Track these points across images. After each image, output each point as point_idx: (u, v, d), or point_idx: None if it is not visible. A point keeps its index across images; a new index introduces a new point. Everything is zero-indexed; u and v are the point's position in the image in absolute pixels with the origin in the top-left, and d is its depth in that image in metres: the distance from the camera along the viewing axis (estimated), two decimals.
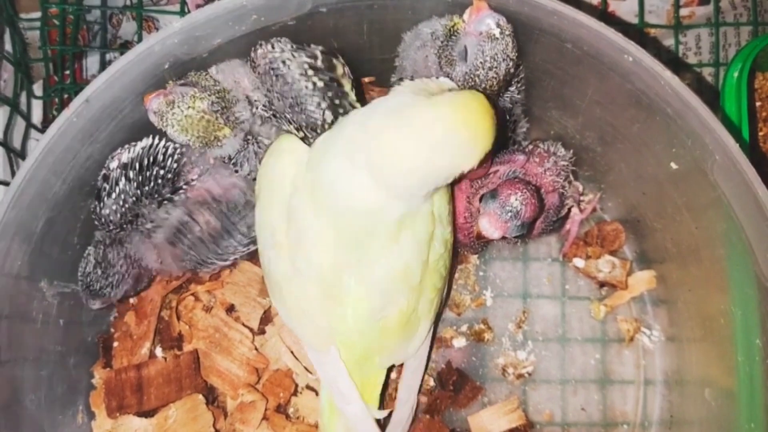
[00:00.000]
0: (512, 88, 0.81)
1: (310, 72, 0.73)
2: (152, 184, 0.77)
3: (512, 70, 0.73)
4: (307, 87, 0.73)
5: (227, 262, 0.85)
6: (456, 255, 0.92)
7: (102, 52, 1.15)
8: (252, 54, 0.74)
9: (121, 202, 0.76)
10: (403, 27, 0.79)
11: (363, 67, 0.90)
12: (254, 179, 0.79)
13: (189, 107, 0.72)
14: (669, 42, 1.14)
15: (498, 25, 0.70)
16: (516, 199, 0.73)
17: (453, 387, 0.91)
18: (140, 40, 1.10)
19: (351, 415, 0.77)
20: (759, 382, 0.72)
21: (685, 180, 0.77)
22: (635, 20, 1.12)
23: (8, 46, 1.09)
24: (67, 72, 1.12)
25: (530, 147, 0.86)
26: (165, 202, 0.79)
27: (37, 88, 1.11)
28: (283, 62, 0.72)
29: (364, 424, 0.77)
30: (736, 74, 0.90)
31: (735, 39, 1.14)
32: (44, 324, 0.80)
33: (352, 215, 0.67)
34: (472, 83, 0.72)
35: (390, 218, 0.67)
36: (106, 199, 0.77)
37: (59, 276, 0.81)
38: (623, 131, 0.82)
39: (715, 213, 0.73)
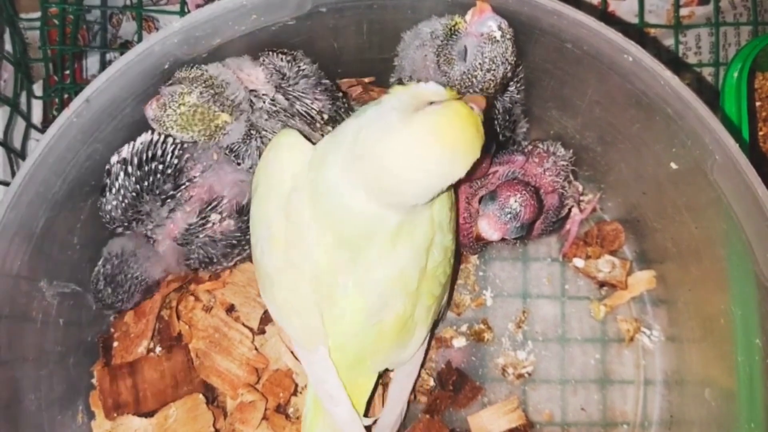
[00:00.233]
0: (512, 88, 0.81)
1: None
2: (152, 179, 0.77)
3: (509, 74, 0.73)
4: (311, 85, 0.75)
5: (231, 263, 0.85)
6: (457, 261, 0.93)
7: (102, 52, 1.15)
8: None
9: (120, 198, 0.77)
10: (403, 27, 0.79)
11: (363, 67, 0.90)
12: None
13: (180, 105, 0.72)
14: (669, 42, 1.14)
15: (500, 28, 0.70)
16: (515, 201, 0.72)
17: (453, 387, 0.91)
18: (140, 40, 1.10)
19: (338, 416, 0.76)
20: (759, 382, 0.72)
21: (685, 180, 0.77)
22: (635, 20, 1.12)
23: (8, 46, 1.09)
24: (67, 72, 1.12)
25: (529, 147, 0.86)
26: (168, 199, 0.78)
27: (37, 88, 1.11)
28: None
29: (351, 426, 0.76)
30: (736, 74, 0.90)
31: (735, 39, 1.14)
32: (44, 324, 0.80)
33: (350, 221, 0.68)
34: (469, 84, 0.72)
35: (388, 225, 0.67)
36: (107, 194, 0.77)
37: (59, 276, 0.81)
38: (623, 131, 0.82)
39: (715, 213, 0.73)
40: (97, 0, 1.15)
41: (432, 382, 0.92)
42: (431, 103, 0.64)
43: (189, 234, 0.80)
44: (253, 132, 0.79)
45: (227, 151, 0.79)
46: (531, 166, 0.83)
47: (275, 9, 0.73)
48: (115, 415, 0.86)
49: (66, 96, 1.10)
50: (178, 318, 0.90)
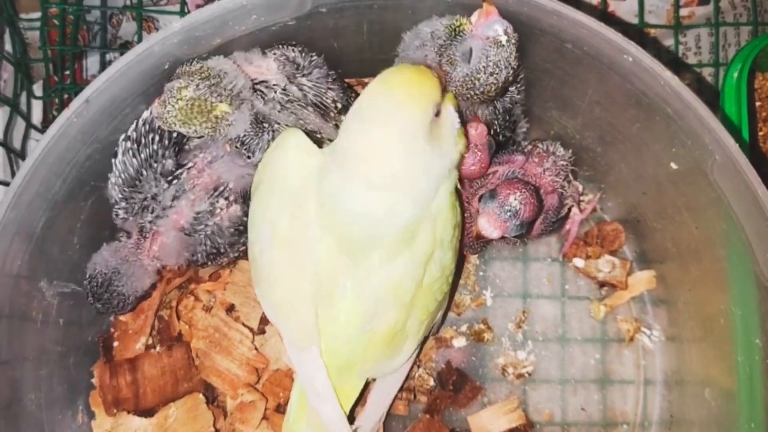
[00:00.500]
0: (512, 89, 0.81)
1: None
2: (149, 150, 0.76)
3: (510, 79, 0.73)
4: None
5: (236, 253, 0.84)
6: (456, 279, 0.93)
7: (102, 52, 1.15)
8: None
9: (119, 173, 0.77)
10: (403, 27, 0.79)
11: (363, 67, 0.90)
12: None
13: (178, 99, 0.72)
14: (669, 42, 1.14)
15: (506, 32, 0.70)
16: (515, 199, 0.73)
17: (453, 387, 0.91)
18: (140, 40, 1.10)
19: (324, 414, 0.75)
20: (759, 382, 0.72)
21: (685, 180, 0.77)
22: (635, 20, 1.12)
23: (8, 46, 1.09)
24: (67, 72, 1.12)
25: (529, 147, 0.86)
26: (174, 180, 0.78)
27: (37, 88, 1.11)
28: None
29: (338, 424, 0.76)
30: (736, 74, 0.90)
31: (735, 39, 1.14)
32: (44, 324, 0.80)
33: (354, 224, 0.68)
34: (470, 86, 0.72)
35: (391, 231, 0.67)
36: (111, 177, 0.77)
37: (59, 276, 0.81)
38: (623, 131, 0.82)
39: (715, 213, 0.73)
40: (97, 0, 1.15)
41: (432, 382, 0.92)
42: None
43: (197, 222, 0.79)
44: (265, 125, 0.78)
45: (238, 144, 0.78)
46: (531, 166, 0.83)
47: (275, 9, 0.73)
48: (115, 410, 0.86)
49: (66, 96, 1.10)
50: (179, 318, 0.90)
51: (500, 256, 0.97)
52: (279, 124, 0.78)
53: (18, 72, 1.07)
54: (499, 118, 0.83)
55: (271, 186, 0.73)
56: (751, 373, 0.73)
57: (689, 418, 0.87)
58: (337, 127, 0.80)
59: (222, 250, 0.82)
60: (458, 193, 0.76)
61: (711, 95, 1.08)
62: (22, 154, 1.05)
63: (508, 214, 0.72)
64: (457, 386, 0.91)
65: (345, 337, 0.72)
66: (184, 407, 0.87)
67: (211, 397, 0.89)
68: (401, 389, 0.87)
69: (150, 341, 0.91)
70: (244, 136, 0.78)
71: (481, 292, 0.96)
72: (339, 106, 0.81)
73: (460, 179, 0.76)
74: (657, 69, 0.69)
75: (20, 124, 1.07)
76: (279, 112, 0.78)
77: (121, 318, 0.91)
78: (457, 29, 0.72)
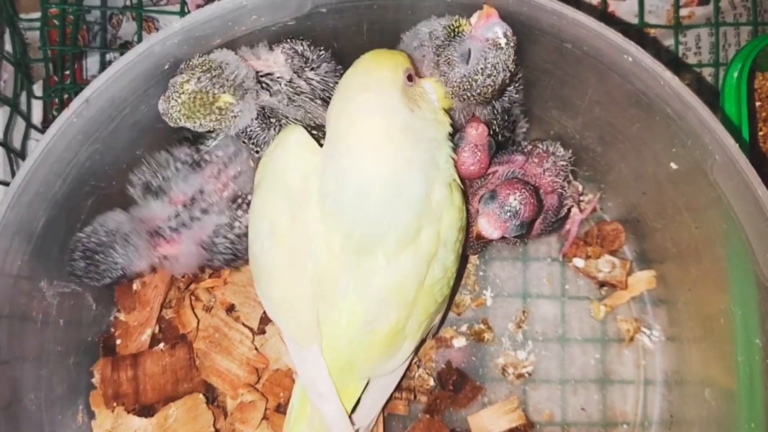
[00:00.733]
0: (510, 88, 0.81)
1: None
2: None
3: (507, 81, 0.73)
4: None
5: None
6: (457, 282, 0.93)
7: (102, 53, 1.15)
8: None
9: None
10: (403, 27, 0.79)
11: None
12: None
13: (180, 94, 0.71)
14: (669, 42, 1.14)
15: (505, 35, 0.70)
16: (515, 199, 0.73)
17: (453, 387, 0.91)
18: (140, 40, 1.10)
19: (326, 414, 0.75)
20: (759, 382, 0.72)
21: (685, 180, 0.77)
22: (635, 20, 1.12)
23: (8, 46, 1.09)
24: (67, 72, 1.12)
25: (529, 147, 0.86)
26: (194, 165, 0.79)
27: (37, 89, 1.11)
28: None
29: (340, 423, 0.76)
30: (735, 74, 0.90)
31: (735, 39, 1.14)
32: (44, 324, 0.80)
33: (360, 220, 0.68)
34: (468, 87, 0.72)
35: (397, 227, 0.68)
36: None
37: (59, 276, 0.81)
38: (623, 131, 0.82)
39: (715, 213, 0.73)
40: (97, 0, 1.15)
41: (432, 382, 0.92)
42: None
43: (215, 235, 0.80)
44: (272, 120, 0.78)
45: (246, 138, 0.79)
46: (530, 166, 0.83)
47: (275, 9, 0.73)
48: (114, 404, 0.86)
49: (66, 96, 1.10)
50: (192, 310, 0.90)
51: (500, 256, 0.97)
52: (287, 118, 0.78)
53: (18, 72, 1.07)
54: (497, 117, 0.83)
55: (272, 183, 0.73)
56: (751, 373, 0.73)
57: (689, 418, 0.87)
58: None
59: (239, 255, 0.83)
60: (465, 196, 0.76)
61: (711, 95, 1.08)
62: (22, 154, 1.05)
63: (508, 214, 0.72)
64: (457, 386, 0.91)
65: (347, 337, 0.72)
66: (184, 407, 0.87)
67: (211, 397, 0.89)
68: (398, 389, 0.87)
69: (156, 332, 0.91)
70: (251, 130, 0.78)
71: (481, 292, 0.96)
72: None
73: (461, 179, 0.76)
74: (657, 69, 0.69)
75: (20, 124, 1.08)
76: (287, 105, 0.78)
77: (122, 318, 0.91)
78: (456, 30, 0.72)
